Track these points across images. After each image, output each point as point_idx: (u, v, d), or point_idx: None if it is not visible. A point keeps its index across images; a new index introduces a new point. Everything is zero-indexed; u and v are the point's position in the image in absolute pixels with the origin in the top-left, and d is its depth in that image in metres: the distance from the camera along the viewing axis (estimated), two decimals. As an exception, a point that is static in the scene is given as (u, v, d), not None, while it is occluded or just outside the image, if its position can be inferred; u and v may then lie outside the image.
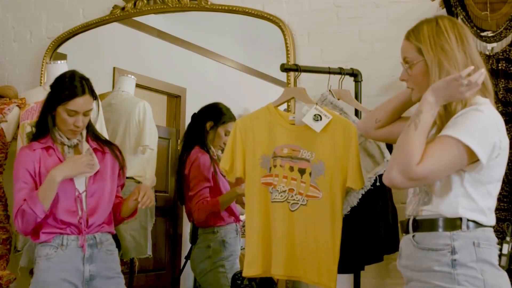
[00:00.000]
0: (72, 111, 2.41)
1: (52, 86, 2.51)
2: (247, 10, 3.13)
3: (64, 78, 2.47)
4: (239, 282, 2.77)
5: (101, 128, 3.05)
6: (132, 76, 3.54)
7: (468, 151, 1.65)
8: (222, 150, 2.82)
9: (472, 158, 1.67)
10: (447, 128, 1.69)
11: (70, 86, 2.42)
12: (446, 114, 1.73)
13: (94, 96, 2.47)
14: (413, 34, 1.83)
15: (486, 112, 1.71)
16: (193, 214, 3.04)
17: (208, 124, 3.16)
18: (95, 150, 2.55)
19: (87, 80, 2.47)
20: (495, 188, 1.75)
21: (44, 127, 2.49)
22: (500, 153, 1.70)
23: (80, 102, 2.41)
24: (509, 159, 1.77)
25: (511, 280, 1.77)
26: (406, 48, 1.85)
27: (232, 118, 3.19)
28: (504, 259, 1.82)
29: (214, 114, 3.18)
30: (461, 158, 1.66)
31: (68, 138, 2.49)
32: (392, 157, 1.72)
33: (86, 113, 2.45)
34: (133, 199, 2.44)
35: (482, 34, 2.45)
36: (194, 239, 3.13)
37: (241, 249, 3.12)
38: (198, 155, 3.07)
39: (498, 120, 1.73)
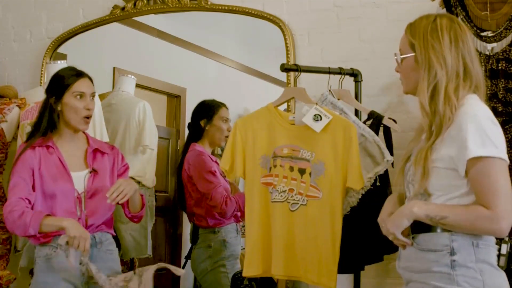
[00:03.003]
0: (80, 93, 2.46)
1: (49, 84, 2.53)
2: (247, 10, 3.13)
3: (59, 71, 2.56)
4: (239, 282, 2.77)
5: (101, 128, 3.04)
6: (132, 76, 3.53)
7: None
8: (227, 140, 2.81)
9: None
10: (471, 147, 1.64)
11: (69, 72, 2.52)
12: (436, 119, 1.72)
13: (91, 79, 2.54)
14: (410, 28, 1.85)
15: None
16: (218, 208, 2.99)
17: (203, 122, 3.17)
18: (95, 150, 2.56)
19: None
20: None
21: (47, 125, 2.49)
22: None
23: (84, 82, 2.49)
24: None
25: (510, 280, 1.77)
26: (402, 40, 1.88)
27: (220, 104, 3.23)
28: (502, 259, 1.82)
29: (204, 110, 3.21)
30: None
31: (76, 131, 2.50)
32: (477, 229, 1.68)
33: (92, 96, 2.51)
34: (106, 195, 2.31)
35: (482, 34, 2.44)
36: (194, 239, 3.13)
37: (241, 249, 3.12)
38: (195, 153, 3.08)
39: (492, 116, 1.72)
